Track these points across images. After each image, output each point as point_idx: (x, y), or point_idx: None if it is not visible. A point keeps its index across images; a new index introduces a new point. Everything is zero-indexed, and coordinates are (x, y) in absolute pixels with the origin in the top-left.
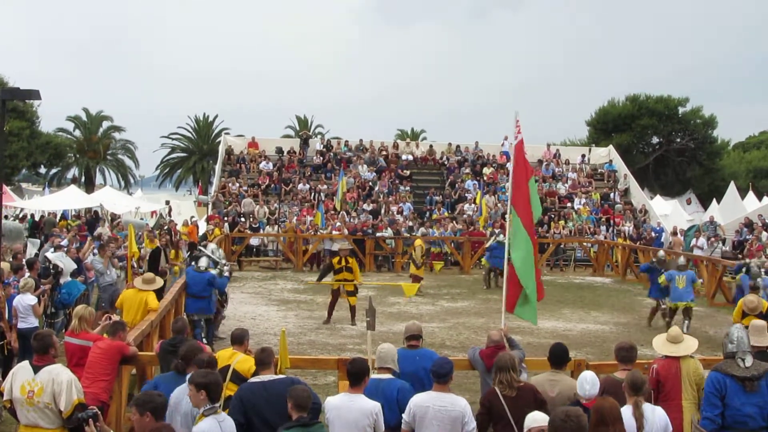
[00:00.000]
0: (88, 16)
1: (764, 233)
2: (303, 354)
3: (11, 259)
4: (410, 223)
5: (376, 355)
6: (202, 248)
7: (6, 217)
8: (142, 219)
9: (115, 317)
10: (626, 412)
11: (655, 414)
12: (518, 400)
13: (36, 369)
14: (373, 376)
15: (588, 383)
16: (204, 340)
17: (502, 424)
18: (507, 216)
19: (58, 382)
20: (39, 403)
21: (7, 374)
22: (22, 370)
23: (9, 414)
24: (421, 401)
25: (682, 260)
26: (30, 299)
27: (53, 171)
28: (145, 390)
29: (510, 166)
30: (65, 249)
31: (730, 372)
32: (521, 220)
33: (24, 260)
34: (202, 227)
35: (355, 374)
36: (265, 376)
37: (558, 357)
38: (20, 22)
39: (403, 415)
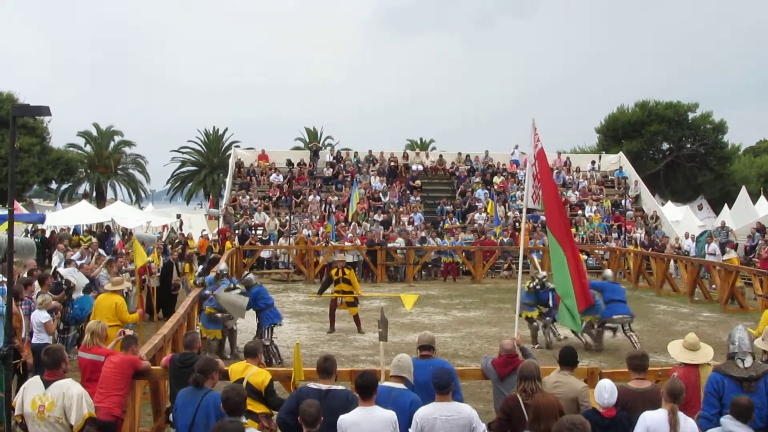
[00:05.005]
0: (98, 33)
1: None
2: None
3: (26, 275)
4: (423, 234)
5: (393, 364)
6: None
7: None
8: (156, 233)
9: (129, 332)
10: (661, 416)
11: (687, 423)
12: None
13: (47, 384)
14: (385, 383)
15: (607, 392)
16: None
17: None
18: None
19: (69, 397)
20: (50, 417)
21: None
22: (33, 384)
23: (21, 429)
24: (428, 414)
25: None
26: (43, 316)
27: (64, 186)
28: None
29: (522, 174)
30: (78, 264)
31: (729, 372)
32: (554, 234)
33: (38, 275)
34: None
35: (366, 387)
36: (324, 385)
37: (568, 358)
38: (30, 39)
39: (409, 430)
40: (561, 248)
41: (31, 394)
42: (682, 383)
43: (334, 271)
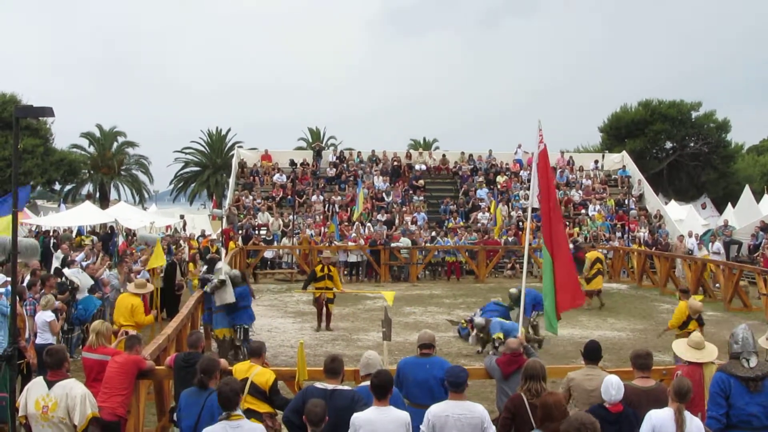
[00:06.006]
0: (101, 34)
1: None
2: (320, 366)
3: (30, 276)
4: (433, 234)
5: (362, 364)
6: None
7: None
8: (161, 234)
9: (132, 332)
10: (667, 414)
11: (693, 423)
12: None
13: (50, 384)
14: (364, 384)
15: (614, 388)
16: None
17: (525, 430)
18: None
19: (72, 397)
20: (53, 418)
21: None
22: (36, 385)
23: (25, 430)
24: (440, 411)
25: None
26: (47, 316)
27: (68, 187)
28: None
29: (525, 174)
30: (82, 265)
31: (735, 372)
32: (544, 236)
33: (40, 276)
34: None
35: (381, 387)
36: (330, 385)
37: (592, 352)
38: (33, 41)
39: (421, 426)
40: (548, 251)
41: (35, 395)
42: (689, 382)
43: (318, 268)
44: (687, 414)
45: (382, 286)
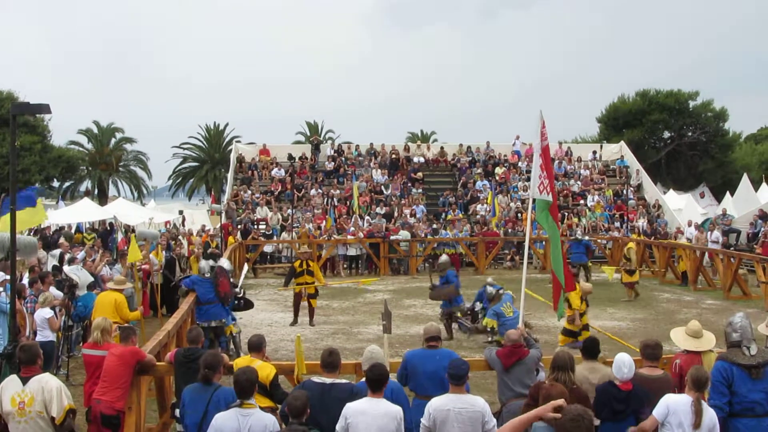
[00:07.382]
0: (99, 30)
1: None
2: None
3: (28, 273)
4: (435, 226)
5: (365, 357)
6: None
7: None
8: (162, 229)
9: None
10: (683, 399)
11: (708, 413)
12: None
13: (24, 380)
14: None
15: (626, 366)
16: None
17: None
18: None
19: (48, 390)
20: (30, 412)
21: None
22: (10, 383)
23: None
24: (441, 404)
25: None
26: (46, 313)
27: (66, 184)
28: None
29: (523, 165)
30: (81, 262)
31: (736, 361)
32: (553, 218)
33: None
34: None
35: (376, 380)
36: (328, 379)
37: (591, 349)
38: (30, 38)
39: (422, 420)
40: (559, 240)
41: (10, 392)
42: (707, 372)
43: (297, 263)
44: (704, 404)
45: (381, 279)
